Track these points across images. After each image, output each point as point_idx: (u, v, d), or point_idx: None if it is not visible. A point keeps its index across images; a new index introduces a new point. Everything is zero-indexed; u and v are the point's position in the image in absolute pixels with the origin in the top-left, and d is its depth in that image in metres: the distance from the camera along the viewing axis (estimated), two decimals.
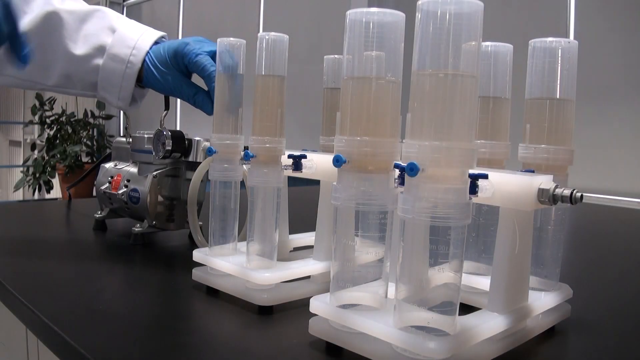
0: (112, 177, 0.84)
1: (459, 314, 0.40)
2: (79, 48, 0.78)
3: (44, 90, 0.83)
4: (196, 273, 0.60)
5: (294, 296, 0.55)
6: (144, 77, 0.77)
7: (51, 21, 0.77)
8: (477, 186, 0.40)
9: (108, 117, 4.27)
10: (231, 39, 0.59)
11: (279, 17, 3.06)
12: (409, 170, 0.37)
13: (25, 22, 0.75)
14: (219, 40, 0.59)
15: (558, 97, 0.49)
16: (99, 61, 0.77)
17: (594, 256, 0.89)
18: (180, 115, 3.67)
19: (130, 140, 0.83)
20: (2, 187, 5.75)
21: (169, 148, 0.75)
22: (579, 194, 0.43)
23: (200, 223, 0.73)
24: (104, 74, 0.77)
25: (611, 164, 1.74)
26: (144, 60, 0.76)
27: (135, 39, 0.77)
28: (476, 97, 0.38)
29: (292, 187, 0.70)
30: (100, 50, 0.77)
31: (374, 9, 0.41)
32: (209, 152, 0.59)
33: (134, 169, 0.81)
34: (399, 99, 0.42)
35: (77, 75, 0.78)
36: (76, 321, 0.49)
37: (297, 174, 0.57)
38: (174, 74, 0.75)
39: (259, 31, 3.09)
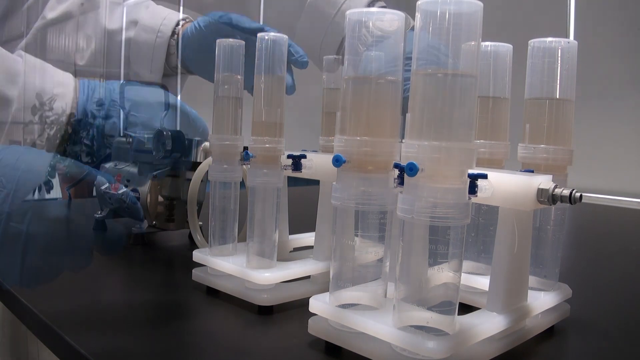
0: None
1: (458, 314, 0.40)
2: (114, 23, 0.79)
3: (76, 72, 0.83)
4: (196, 273, 0.60)
5: (294, 296, 0.55)
6: (183, 39, 0.76)
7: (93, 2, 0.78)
8: (476, 186, 0.40)
9: (108, 117, 4.27)
10: (230, 40, 0.59)
11: (279, 17, 3.05)
12: (409, 170, 0.37)
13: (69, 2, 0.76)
14: (217, 41, 0.59)
15: (557, 97, 0.49)
16: (131, 33, 0.78)
17: (593, 256, 0.89)
18: (181, 115, 3.66)
19: (130, 140, 0.83)
20: None
21: (169, 148, 0.75)
22: (578, 194, 0.43)
23: (200, 223, 0.73)
24: (135, 46, 0.78)
25: (611, 164, 1.74)
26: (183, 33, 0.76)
27: (167, 12, 0.78)
28: (476, 97, 0.38)
29: (292, 187, 0.70)
30: (133, 23, 0.78)
31: (374, 9, 0.41)
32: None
33: (134, 169, 0.81)
34: (399, 99, 0.42)
35: (109, 50, 0.79)
36: (76, 321, 0.49)
37: (296, 174, 0.57)
38: (218, 27, 0.72)
39: None
